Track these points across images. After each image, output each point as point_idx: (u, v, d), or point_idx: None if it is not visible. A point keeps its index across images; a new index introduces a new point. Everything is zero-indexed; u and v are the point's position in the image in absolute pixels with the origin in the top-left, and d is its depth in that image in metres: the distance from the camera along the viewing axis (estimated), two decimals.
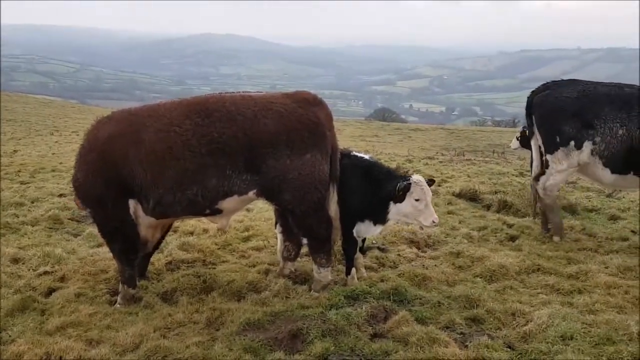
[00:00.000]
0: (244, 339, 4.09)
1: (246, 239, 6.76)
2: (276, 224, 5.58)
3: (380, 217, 5.14)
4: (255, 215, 7.92)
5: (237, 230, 7.05)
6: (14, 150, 16.71)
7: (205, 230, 6.93)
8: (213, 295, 4.92)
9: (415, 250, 6.35)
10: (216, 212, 4.91)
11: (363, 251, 5.77)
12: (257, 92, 5.06)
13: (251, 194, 4.81)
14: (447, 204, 8.90)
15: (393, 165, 13.50)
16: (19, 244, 6.50)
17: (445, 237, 6.88)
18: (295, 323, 4.26)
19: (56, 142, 22.14)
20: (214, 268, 5.75)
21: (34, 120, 32.53)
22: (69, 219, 7.59)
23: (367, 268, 5.61)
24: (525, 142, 10.86)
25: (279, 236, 5.53)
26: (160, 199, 4.70)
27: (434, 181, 5.24)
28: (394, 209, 5.01)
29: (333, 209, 5.11)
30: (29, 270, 5.69)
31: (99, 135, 4.76)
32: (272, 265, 5.74)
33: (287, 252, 5.47)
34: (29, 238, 6.76)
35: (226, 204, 4.83)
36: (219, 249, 6.38)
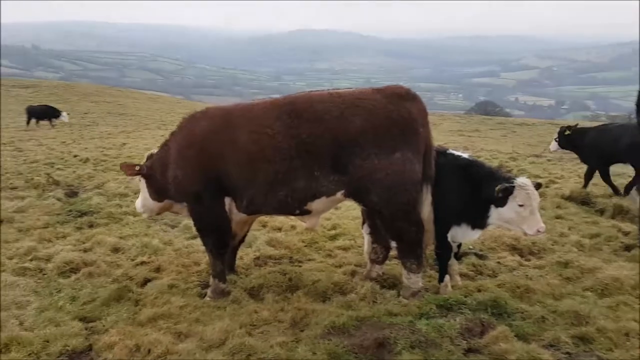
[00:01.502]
0: (328, 343, 3.92)
1: (333, 238, 6.61)
2: (364, 224, 5.36)
3: (478, 222, 4.74)
4: (343, 214, 7.75)
5: (325, 228, 6.92)
6: (123, 143, 17.87)
7: (293, 227, 6.88)
8: (298, 295, 4.80)
9: (517, 258, 5.84)
10: (305, 212, 4.80)
11: (458, 257, 5.37)
12: (347, 88, 4.86)
13: (339, 194, 4.64)
14: (556, 207, 8.15)
15: (495, 164, 12.74)
16: (120, 233, 6.85)
17: (553, 245, 6.27)
18: (382, 331, 4.03)
19: (162, 135, 23.24)
20: (300, 266, 5.67)
21: (143, 114, 34.83)
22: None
23: (462, 276, 5.24)
24: (564, 143, 9.82)
25: (367, 237, 5.31)
26: (252, 199, 4.69)
27: (541, 185, 4.74)
28: (495, 213, 4.59)
29: (426, 210, 4.78)
30: (127, 259, 5.96)
31: (196, 131, 4.79)
32: (359, 266, 5.54)
33: (375, 254, 5.24)
34: (130, 228, 7.11)
35: (315, 205, 4.70)
36: (305, 246, 6.30)
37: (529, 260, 5.86)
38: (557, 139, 9.93)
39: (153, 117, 33.86)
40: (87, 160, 13.03)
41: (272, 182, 4.56)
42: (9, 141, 18.74)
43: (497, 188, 4.41)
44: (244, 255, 5.91)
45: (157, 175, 5.12)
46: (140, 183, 5.38)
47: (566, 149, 10.11)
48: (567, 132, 9.68)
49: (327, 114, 4.49)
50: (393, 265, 5.48)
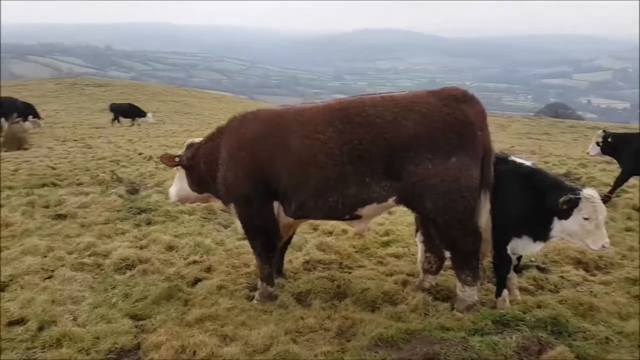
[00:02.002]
0: (375, 356, 3.79)
1: (385, 244, 6.42)
2: (417, 231, 5.15)
3: (540, 234, 4.43)
4: (397, 219, 7.54)
5: (377, 234, 6.75)
6: (184, 142, 18.37)
7: (344, 231, 6.74)
8: (346, 303, 4.68)
9: (582, 272, 5.43)
10: (355, 217, 4.69)
11: (518, 270, 5.07)
12: (401, 91, 4.69)
13: (391, 200, 4.48)
14: (626, 218, 7.54)
15: (563, 171, 12.06)
16: (175, 231, 6.98)
17: (621, 260, 5.81)
18: (433, 346, 3.84)
19: None
20: (350, 272, 5.53)
21: (207, 113, 35.83)
22: (221, 210, 7.97)
23: (521, 290, 4.93)
24: (607, 148, 9.03)
25: (420, 245, 5.10)
26: (302, 204, 4.62)
27: (610, 197, 4.37)
28: (558, 225, 4.28)
29: (484, 219, 4.53)
30: (180, 258, 6.04)
31: (247, 134, 4.76)
32: (411, 275, 5.33)
33: (428, 263, 5.02)
34: (185, 227, 7.23)
35: (365, 210, 4.58)
36: (356, 252, 6.15)
37: (594, 275, 5.46)
38: (600, 144, 9.29)
39: (217, 116, 34.71)
40: (150, 158, 13.46)
41: (323, 188, 4.47)
42: (80, 138, 19.76)
43: (561, 200, 4.11)
44: (294, 259, 5.85)
45: (200, 168, 5.11)
46: (178, 172, 5.37)
47: (607, 155, 9.50)
48: (609, 139, 9.12)
49: (380, 118, 4.35)
50: (447, 276, 5.24)
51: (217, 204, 5.36)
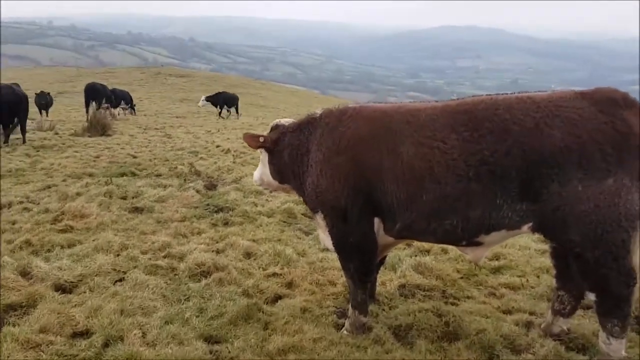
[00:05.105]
0: None
1: (496, 271, 5.45)
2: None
3: None
4: (508, 241, 6.50)
5: (485, 257, 5.79)
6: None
7: (444, 251, 5.84)
8: (458, 347, 3.83)
9: None
10: (474, 244, 3.82)
11: None
12: (539, 91, 3.75)
13: (525, 227, 3.58)
14: None
15: None
16: (253, 235, 6.40)
17: None
18: None
19: None
20: (456, 304, 4.67)
21: (282, 107, 35.83)
22: (302, 214, 7.34)
23: None
24: None
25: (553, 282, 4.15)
26: (409, 224, 3.80)
27: None
28: None
29: (638, 256, 3.54)
30: (258, 268, 5.43)
31: (348, 134, 3.97)
32: (534, 315, 4.39)
33: (561, 304, 4.06)
34: (263, 231, 6.64)
35: (490, 238, 3.70)
36: (461, 277, 5.25)
37: None
38: None
39: (291, 110, 34.61)
40: (228, 151, 13.16)
41: (439, 208, 3.62)
42: (160, 127, 20.01)
43: None
44: (387, 282, 5.06)
45: (283, 158, 4.41)
46: (262, 154, 4.69)
47: None
48: None
49: (517, 124, 3.46)
50: (579, 319, 4.27)
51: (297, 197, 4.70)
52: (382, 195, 3.79)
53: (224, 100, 30.20)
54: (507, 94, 3.81)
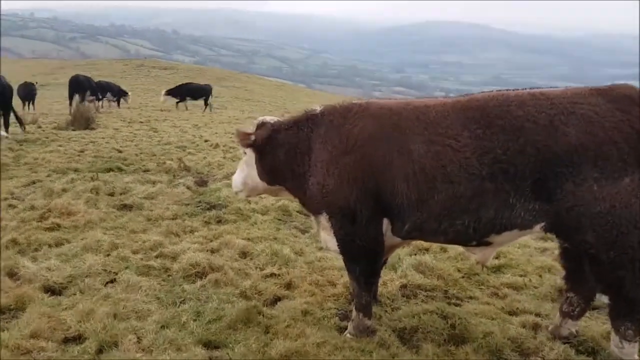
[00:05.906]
0: None
1: (497, 270, 5.35)
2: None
3: None
4: None
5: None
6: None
7: (444, 249, 5.74)
8: (466, 350, 3.73)
9: None
10: (484, 244, 3.71)
11: None
12: (552, 87, 3.65)
13: (537, 227, 3.48)
14: None
15: None
16: (248, 234, 6.23)
17: None
18: None
19: None
20: (460, 305, 4.56)
21: (267, 100, 35.50)
22: (297, 211, 7.19)
23: None
24: None
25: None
26: (419, 225, 3.67)
27: None
28: None
29: None
30: (255, 268, 5.27)
31: (355, 133, 3.82)
32: (540, 316, 4.31)
33: (570, 306, 3.98)
34: (258, 229, 6.47)
35: (501, 238, 3.60)
36: (462, 277, 5.15)
37: None
38: None
39: (276, 103, 34.31)
40: (217, 146, 12.92)
41: (451, 208, 3.51)
42: (145, 120, 19.63)
43: None
44: (388, 281, 4.94)
45: (278, 156, 4.17)
46: (246, 155, 4.40)
47: None
48: None
49: (531, 121, 3.36)
50: (588, 321, 4.20)
51: (287, 196, 4.48)
52: (392, 195, 3.66)
53: (187, 92, 27.18)
54: (508, 90, 3.73)
